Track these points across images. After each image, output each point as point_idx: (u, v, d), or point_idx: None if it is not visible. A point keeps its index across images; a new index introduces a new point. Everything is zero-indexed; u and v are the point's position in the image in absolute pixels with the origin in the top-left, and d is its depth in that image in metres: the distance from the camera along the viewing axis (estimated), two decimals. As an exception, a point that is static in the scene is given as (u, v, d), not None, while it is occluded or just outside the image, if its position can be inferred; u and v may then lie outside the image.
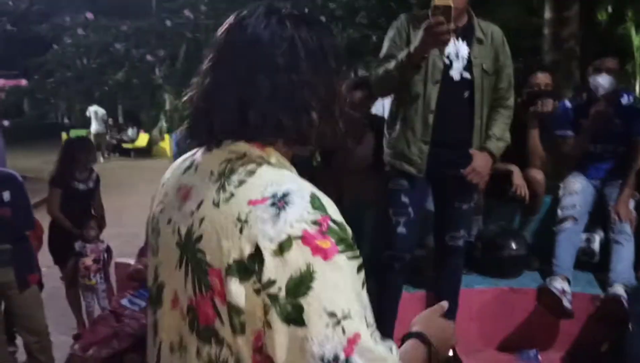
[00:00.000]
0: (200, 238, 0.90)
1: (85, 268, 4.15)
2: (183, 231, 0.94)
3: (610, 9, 15.38)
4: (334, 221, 0.87)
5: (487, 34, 2.79)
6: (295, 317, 0.82)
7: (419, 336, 1.03)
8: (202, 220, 0.91)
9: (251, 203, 0.87)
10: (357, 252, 0.88)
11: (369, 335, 0.84)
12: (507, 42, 2.86)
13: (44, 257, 4.13)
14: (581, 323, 3.19)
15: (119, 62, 6.83)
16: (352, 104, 3.40)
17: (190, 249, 0.92)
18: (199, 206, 0.92)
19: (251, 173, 0.91)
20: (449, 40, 2.47)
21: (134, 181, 10.79)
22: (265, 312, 0.84)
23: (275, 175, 0.91)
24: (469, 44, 2.75)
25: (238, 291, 0.85)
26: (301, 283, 0.82)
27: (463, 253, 3.08)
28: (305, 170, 3.27)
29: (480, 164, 2.78)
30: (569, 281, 3.15)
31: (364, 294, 0.88)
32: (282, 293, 0.83)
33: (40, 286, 3.60)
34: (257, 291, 0.84)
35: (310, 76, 0.93)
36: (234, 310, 0.87)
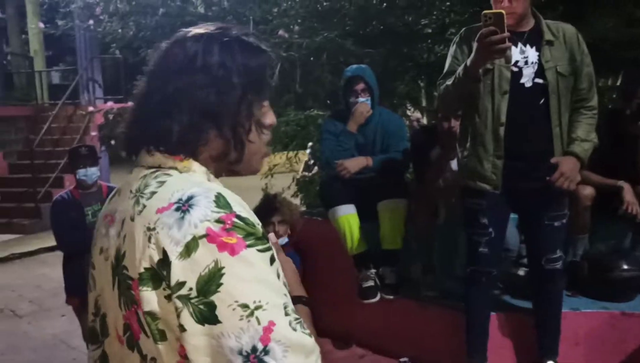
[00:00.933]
0: (124, 254, 0.91)
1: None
2: (112, 253, 0.94)
3: None
4: (238, 217, 0.86)
5: (557, 35, 2.63)
6: (208, 316, 0.82)
7: (300, 300, 1.08)
8: (124, 237, 0.92)
9: (159, 211, 0.88)
10: (268, 243, 0.87)
11: (286, 323, 0.84)
12: (583, 41, 2.67)
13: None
14: None
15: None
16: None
17: (119, 268, 0.92)
18: (122, 224, 0.94)
19: (162, 183, 0.92)
20: (505, 49, 2.32)
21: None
22: (178, 315, 0.83)
23: (182, 181, 0.92)
24: (538, 48, 2.60)
25: (151, 298, 0.86)
26: (211, 281, 0.82)
27: (564, 277, 2.90)
28: (399, 186, 3.25)
29: (568, 168, 2.57)
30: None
31: (280, 284, 0.87)
32: (193, 293, 0.82)
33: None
34: (168, 297, 0.84)
35: (197, 87, 0.93)
36: (150, 318, 0.86)
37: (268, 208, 3.77)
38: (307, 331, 0.87)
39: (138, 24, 6.49)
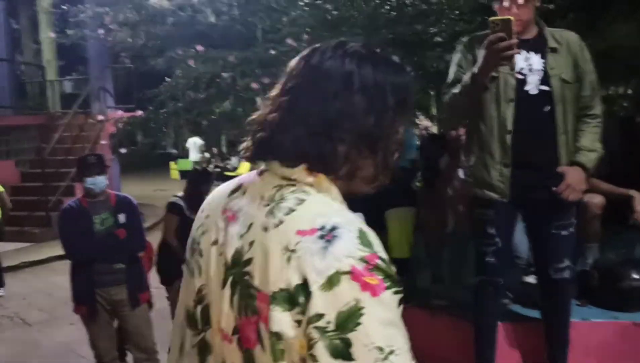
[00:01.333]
0: (249, 261, 0.91)
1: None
2: (230, 252, 0.95)
3: None
4: (381, 259, 0.86)
5: (561, 42, 2.62)
6: (343, 352, 0.82)
7: None
8: (251, 243, 0.92)
9: (299, 233, 0.87)
10: (400, 287, 0.87)
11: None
12: (586, 48, 2.66)
13: (152, 278, 4.32)
14: None
15: (225, 92, 7.14)
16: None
17: (237, 271, 0.92)
18: (248, 228, 0.94)
19: (301, 201, 0.91)
20: (512, 55, 2.30)
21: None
22: (310, 346, 0.83)
23: (324, 207, 0.92)
24: (543, 55, 2.59)
25: (282, 319, 0.85)
26: (350, 319, 0.82)
27: (572, 286, 2.86)
28: (407, 195, 3.24)
29: (573, 179, 2.54)
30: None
31: (403, 327, 0.88)
32: (331, 327, 0.82)
33: (150, 305, 3.77)
34: (298, 322, 0.84)
35: (357, 109, 0.93)
36: (275, 337, 0.86)
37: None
38: None
39: (148, 33, 6.55)
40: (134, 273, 3.47)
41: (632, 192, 3.22)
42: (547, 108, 2.59)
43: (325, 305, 0.82)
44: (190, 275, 1.05)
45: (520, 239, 3.19)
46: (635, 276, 3.17)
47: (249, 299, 0.90)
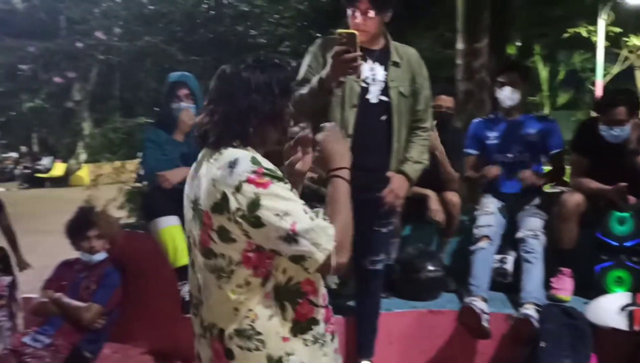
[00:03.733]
0: (198, 198, 1.52)
1: (-13, 304, 3.83)
2: (192, 197, 1.56)
3: (519, 43, 16.37)
4: (266, 168, 1.45)
5: (403, 57, 2.82)
6: (257, 223, 1.42)
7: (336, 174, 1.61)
8: (200, 187, 1.52)
9: (219, 168, 1.47)
10: (287, 181, 1.46)
11: (307, 218, 1.42)
12: (424, 66, 2.89)
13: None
14: (497, 343, 3.24)
15: (28, 87, 6.49)
16: None
17: (195, 205, 1.54)
18: (199, 180, 1.54)
19: (221, 153, 1.51)
20: (357, 67, 2.44)
21: (49, 212, 10.21)
22: (242, 227, 1.43)
23: (235, 152, 1.49)
24: (386, 68, 2.77)
25: (220, 220, 1.45)
26: (254, 205, 1.41)
27: (382, 277, 3.07)
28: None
29: (397, 186, 2.81)
30: (486, 301, 3.21)
31: (298, 198, 1.46)
32: (246, 212, 1.41)
33: None
34: (229, 219, 1.44)
35: (256, 102, 1.52)
36: (222, 231, 1.46)
37: (83, 221, 3.50)
38: (323, 218, 1.46)
39: None
40: None
41: (428, 192, 3.54)
42: (384, 117, 2.77)
43: (238, 202, 1.42)
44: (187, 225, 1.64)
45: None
46: (431, 267, 3.48)
47: (200, 218, 1.51)
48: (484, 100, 6.08)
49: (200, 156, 1.61)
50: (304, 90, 2.66)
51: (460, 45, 6.20)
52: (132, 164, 8.21)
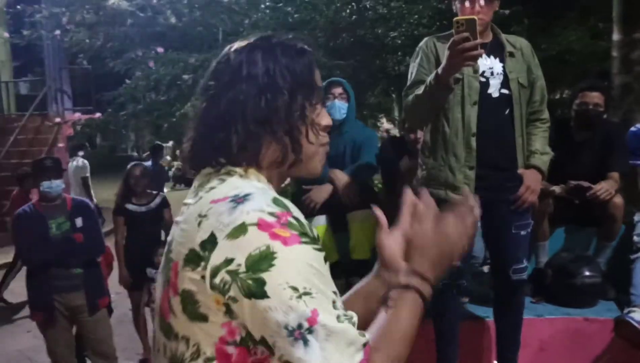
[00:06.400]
0: (172, 241, 0.97)
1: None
2: (169, 238, 1.00)
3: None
4: (294, 218, 0.89)
5: (517, 47, 2.68)
6: (256, 291, 0.84)
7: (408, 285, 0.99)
8: (177, 223, 0.98)
9: (213, 201, 0.92)
10: (321, 246, 0.90)
11: (333, 314, 0.86)
12: (535, 55, 2.74)
13: (113, 283, 4.25)
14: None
15: (186, 94, 7.07)
16: None
17: (167, 253, 0.98)
18: (181, 214, 1.00)
19: (222, 181, 0.97)
20: (478, 56, 2.30)
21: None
22: (226, 291, 0.86)
23: (242, 183, 0.95)
24: (502, 59, 2.64)
25: (190, 277, 0.89)
26: (262, 260, 0.84)
27: (526, 287, 2.92)
28: (368, 196, 3.22)
29: (532, 182, 2.64)
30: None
31: (331, 281, 0.90)
32: (242, 269, 0.84)
33: (110, 311, 3.71)
34: (202, 278, 0.87)
35: (245, 96, 0.96)
36: (188, 298, 0.90)
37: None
38: (353, 325, 0.88)
39: (106, 34, 6.44)
40: (92, 278, 3.41)
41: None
42: (507, 111, 2.64)
43: (232, 250, 0.85)
44: None
45: (476, 239, 3.25)
46: (587, 273, 3.28)
47: (168, 272, 0.95)
48: (645, 94, 5.57)
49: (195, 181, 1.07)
50: (419, 91, 2.56)
51: (616, 35, 5.74)
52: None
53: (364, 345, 0.88)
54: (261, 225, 0.85)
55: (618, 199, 3.36)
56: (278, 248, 0.85)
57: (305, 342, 0.84)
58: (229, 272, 0.85)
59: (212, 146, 0.98)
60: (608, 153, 3.48)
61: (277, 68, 0.98)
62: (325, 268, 0.89)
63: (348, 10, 6.18)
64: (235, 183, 0.95)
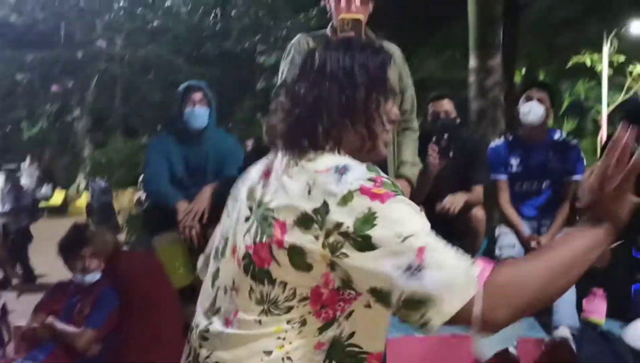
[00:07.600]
0: (273, 200, 1.12)
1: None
2: (258, 196, 1.17)
3: (524, 70, 16.40)
4: (386, 178, 1.08)
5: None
6: (366, 245, 1.02)
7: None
8: (276, 188, 1.13)
9: (318, 172, 1.10)
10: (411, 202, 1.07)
11: (438, 243, 1.02)
12: (406, 63, 2.71)
13: None
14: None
15: (27, 102, 6.37)
16: None
17: (261, 208, 1.14)
18: (270, 180, 1.17)
19: (320, 154, 1.14)
20: None
21: (46, 242, 9.88)
22: (338, 249, 1.04)
23: (337, 158, 1.13)
24: None
25: (303, 235, 1.06)
26: (366, 221, 1.02)
27: None
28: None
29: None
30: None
31: (427, 223, 1.05)
32: (351, 230, 1.02)
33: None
34: (316, 238, 1.05)
35: (329, 91, 1.15)
36: (296, 253, 1.07)
37: (77, 238, 3.26)
38: (459, 253, 1.02)
39: None
40: None
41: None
42: None
43: (342, 216, 1.03)
44: (226, 216, 1.30)
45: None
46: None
47: (266, 227, 1.10)
48: (498, 118, 5.94)
49: (269, 158, 1.24)
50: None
51: (472, 62, 6.07)
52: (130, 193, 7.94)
53: (476, 268, 1.00)
54: (363, 190, 1.04)
55: (480, 213, 3.39)
56: (378, 207, 1.02)
57: (419, 274, 0.97)
58: (341, 234, 1.03)
59: (303, 132, 1.15)
60: (470, 166, 3.52)
61: (355, 67, 1.16)
62: (419, 212, 1.06)
63: (212, 20, 5.94)
64: (331, 157, 1.13)
